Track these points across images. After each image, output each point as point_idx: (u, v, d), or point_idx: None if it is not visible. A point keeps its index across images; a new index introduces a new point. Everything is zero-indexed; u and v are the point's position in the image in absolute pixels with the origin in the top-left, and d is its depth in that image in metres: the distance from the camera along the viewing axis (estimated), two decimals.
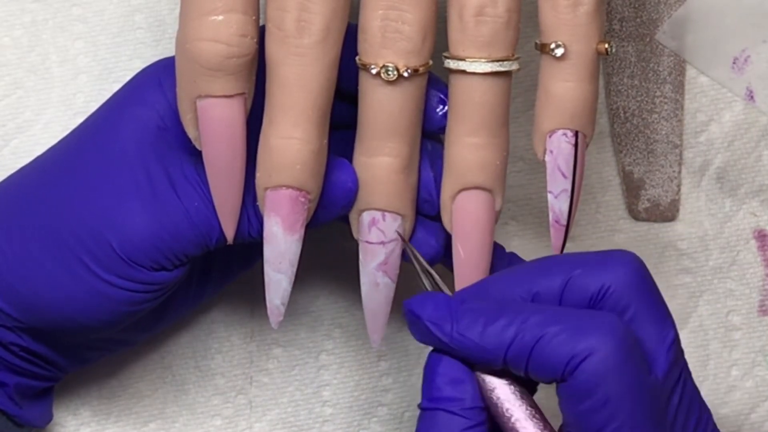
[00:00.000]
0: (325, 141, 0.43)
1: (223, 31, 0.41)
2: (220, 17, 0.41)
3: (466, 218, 0.44)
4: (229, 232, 0.44)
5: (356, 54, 0.43)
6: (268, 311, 0.45)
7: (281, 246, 0.43)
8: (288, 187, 0.43)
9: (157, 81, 0.45)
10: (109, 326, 0.46)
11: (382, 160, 0.43)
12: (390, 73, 0.42)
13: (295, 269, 0.44)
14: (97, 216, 0.44)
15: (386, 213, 0.44)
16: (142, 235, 0.44)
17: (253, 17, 0.42)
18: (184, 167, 0.45)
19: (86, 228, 0.44)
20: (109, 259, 0.44)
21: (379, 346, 0.46)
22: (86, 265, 0.44)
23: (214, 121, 0.42)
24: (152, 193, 0.44)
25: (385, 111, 0.42)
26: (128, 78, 0.49)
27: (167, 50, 0.53)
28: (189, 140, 0.43)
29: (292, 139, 0.42)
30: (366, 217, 0.44)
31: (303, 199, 0.43)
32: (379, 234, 0.44)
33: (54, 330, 0.46)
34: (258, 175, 0.43)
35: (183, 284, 0.48)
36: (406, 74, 0.42)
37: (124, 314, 0.46)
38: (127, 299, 0.45)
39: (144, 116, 0.45)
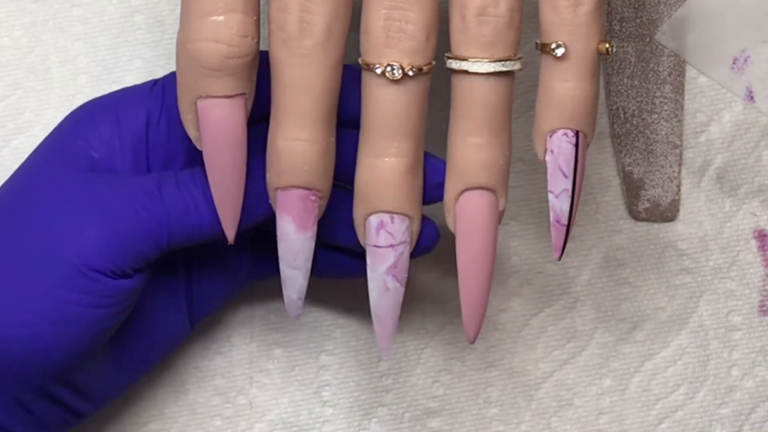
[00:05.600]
0: (333, 139, 0.43)
1: (223, 31, 0.41)
2: (221, 17, 0.41)
3: (470, 218, 0.44)
4: (230, 233, 0.44)
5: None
6: (286, 305, 0.45)
7: (295, 244, 0.44)
8: (298, 187, 0.43)
9: (69, 131, 0.46)
10: (72, 355, 0.44)
11: (388, 161, 0.43)
12: (395, 72, 0.42)
13: (309, 265, 0.44)
14: (46, 238, 0.44)
15: (395, 215, 0.43)
16: (93, 242, 0.44)
17: (254, 17, 0.42)
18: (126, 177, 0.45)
19: (37, 249, 0.44)
20: (65, 274, 0.43)
21: (388, 354, 0.46)
22: (43, 285, 0.43)
23: (214, 121, 0.42)
24: (96, 204, 0.44)
25: (390, 111, 0.42)
26: (128, 78, 0.49)
27: (167, 50, 0.53)
28: (129, 161, 0.44)
29: (299, 140, 0.42)
30: (373, 220, 0.44)
31: (314, 197, 0.43)
32: (388, 237, 0.44)
33: (12, 374, 0.44)
34: (268, 176, 0.43)
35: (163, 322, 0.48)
36: (410, 73, 0.42)
37: (87, 337, 0.44)
38: (89, 317, 0.44)
39: (71, 162, 0.46)
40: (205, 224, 0.44)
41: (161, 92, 0.47)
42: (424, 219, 0.45)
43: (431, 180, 0.45)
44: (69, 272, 0.43)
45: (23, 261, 0.44)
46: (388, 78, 0.42)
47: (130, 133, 0.46)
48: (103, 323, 0.44)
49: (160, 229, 0.44)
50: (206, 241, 0.45)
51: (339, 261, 0.49)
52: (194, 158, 0.46)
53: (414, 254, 0.45)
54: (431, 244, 0.47)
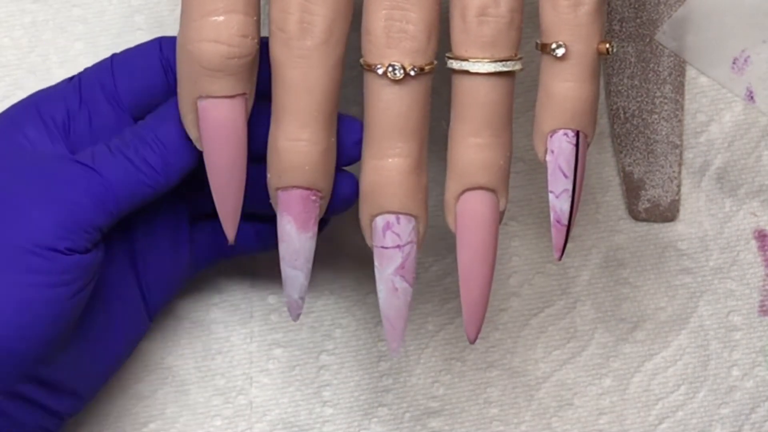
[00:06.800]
0: (333, 139, 0.43)
1: (224, 31, 0.41)
2: (221, 18, 0.41)
3: (471, 218, 0.44)
4: (230, 232, 0.44)
5: None
6: (288, 305, 0.45)
7: (296, 244, 0.44)
8: (299, 187, 0.43)
9: (11, 120, 0.47)
10: (37, 343, 0.44)
11: (392, 162, 0.43)
12: (397, 72, 0.42)
13: (310, 265, 0.44)
14: None
15: (400, 215, 0.43)
16: (38, 221, 0.43)
17: (254, 18, 0.42)
18: (60, 155, 0.45)
19: None
20: (14, 256, 0.43)
21: (399, 355, 0.46)
22: None
23: (215, 121, 0.42)
24: (36, 183, 0.44)
25: (393, 111, 0.42)
26: None
27: None
28: (66, 151, 0.45)
29: (300, 141, 0.42)
30: (380, 221, 0.44)
31: (314, 197, 0.43)
32: (394, 238, 0.43)
33: None
34: (269, 176, 0.43)
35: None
36: (412, 73, 0.42)
37: (50, 320, 0.44)
38: (48, 298, 0.43)
39: (3, 148, 0.46)
40: (146, 181, 0.45)
41: (78, 85, 0.47)
42: (342, 172, 0.45)
43: (347, 139, 0.45)
44: (18, 254, 0.43)
45: None
46: (389, 78, 0.42)
47: (54, 126, 0.46)
48: (64, 304, 0.44)
49: (104, 197, 0.44)
50: (152, 198, 0.45)
51: (260, 232, 0.50)
52: None
53: (335, 209, 0.45)
54: (350, 196, 0.46)
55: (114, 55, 0.47)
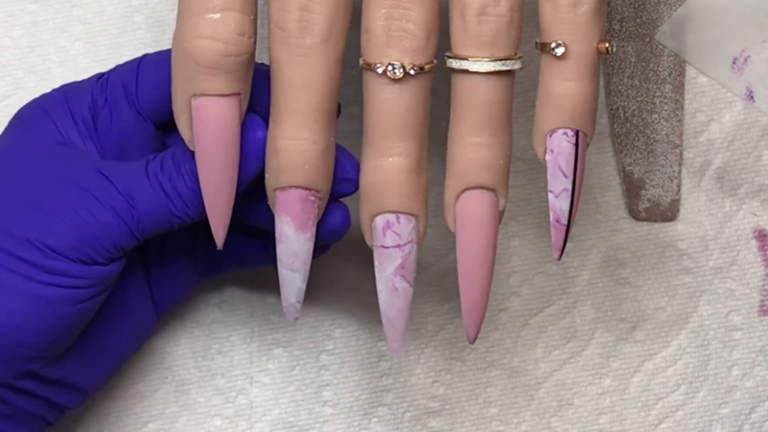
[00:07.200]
0: (332, 139, 0.43)
1: (220, 29, 0.41)
2: (218, 15, 0.41)
3: (470, 218, 0.44)
4: (219, 235, 0.44)
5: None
6: (284, 309, 0.45)
7: (294, 245, 0.43)
8: (297, 187, 0.43)
9: (43, 110, 0.47)
10: (47, 339, 0.44)
11: (392, 161, 0.43)
12: (396, 71, 0.42)
13: (308, 267, 0.44)
14: (15, 220, 0.44)
15: (401, 215, 0.43)
16: (61, 232, 0.44)
17: (251, 16, 0.42)
18: (96, 166, 0.45)
19: (4, 232, 0.44)
20: (34, 256, 0.43)
21: (399, 355, 0.46)
22: (10, 269, 0.43)
23: (208, 120, 0.42)
24: (67, 192, 0.44)
25: (393, 110, 0.42)
26: None
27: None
28: (94, 149, 0.45)
29: (300, 140, 0.42)
30: (380, 221, 0.43)
31: (313, 198, 0.43)
32: (394, 237, 0.43)
33: None
34: (267, 176, 0.43)
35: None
36: (412, 72, 0.42)
37: (63, 318, 0.44)
38: (63, 298, 0.44)
39: (38, 139, 0.46)
40: (174, 211, 0.45)
41: (105, 84, 0.47)
42: (334, 202, 0.45)
43: (339, 174, 0.44)
44: (36, 251, 0.43)
45: None
46: (389, 77, 0.42)
47: (83, 124, 0.47)
48: (77, 306, 0.44)
49: (131, 221, 0.44)
50: (178, 226, 0.45)
51: (269, 247, 0.49)
52: (143, 149, 0.47)
53: (323, 238, 0.45)
54: (339, 228, 0.46)
55: (144, 57, 0.47)
